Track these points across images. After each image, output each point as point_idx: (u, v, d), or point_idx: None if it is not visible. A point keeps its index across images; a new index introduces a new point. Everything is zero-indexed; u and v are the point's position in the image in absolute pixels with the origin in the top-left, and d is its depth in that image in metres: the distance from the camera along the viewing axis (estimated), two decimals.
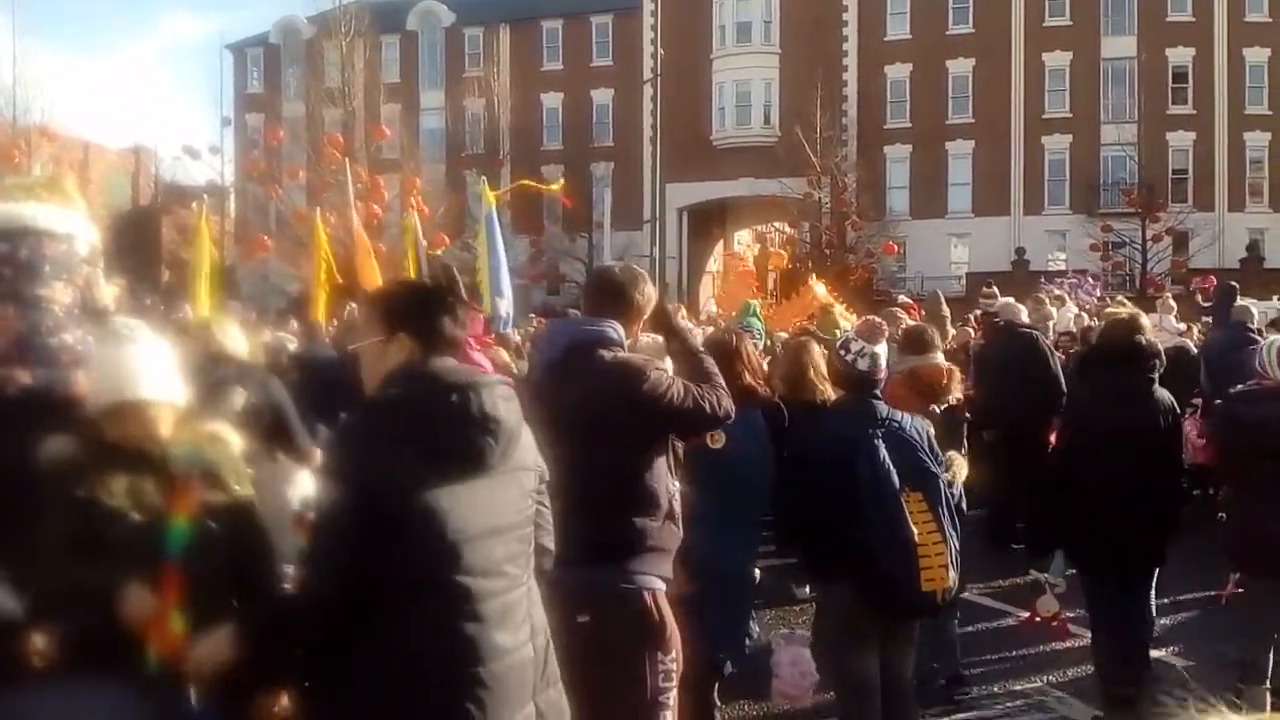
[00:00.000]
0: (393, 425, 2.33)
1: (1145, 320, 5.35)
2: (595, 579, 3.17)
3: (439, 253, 23.62)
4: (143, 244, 34.33)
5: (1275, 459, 4.74)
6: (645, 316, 3.45)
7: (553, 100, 46.54)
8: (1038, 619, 5.27)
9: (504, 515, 2.39)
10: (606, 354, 3.26)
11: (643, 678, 3.16)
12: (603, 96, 45.95)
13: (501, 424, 2.36)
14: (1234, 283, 11.20)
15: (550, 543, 2.70)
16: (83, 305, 2.65)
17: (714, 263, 44.11)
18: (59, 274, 2.35)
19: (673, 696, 3.22)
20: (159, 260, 37.44)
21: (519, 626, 2.38)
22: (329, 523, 2.30)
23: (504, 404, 2.40)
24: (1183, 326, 11.72)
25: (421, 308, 2.45)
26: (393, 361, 2.42)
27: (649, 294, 3.42)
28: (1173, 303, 12.15)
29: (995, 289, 11.57)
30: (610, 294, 3.42)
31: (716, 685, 4.54)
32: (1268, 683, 4.92)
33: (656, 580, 3.23)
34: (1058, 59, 40.80)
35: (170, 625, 2.41)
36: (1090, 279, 14.77)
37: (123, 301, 4.95)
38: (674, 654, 3.22)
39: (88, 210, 3.18)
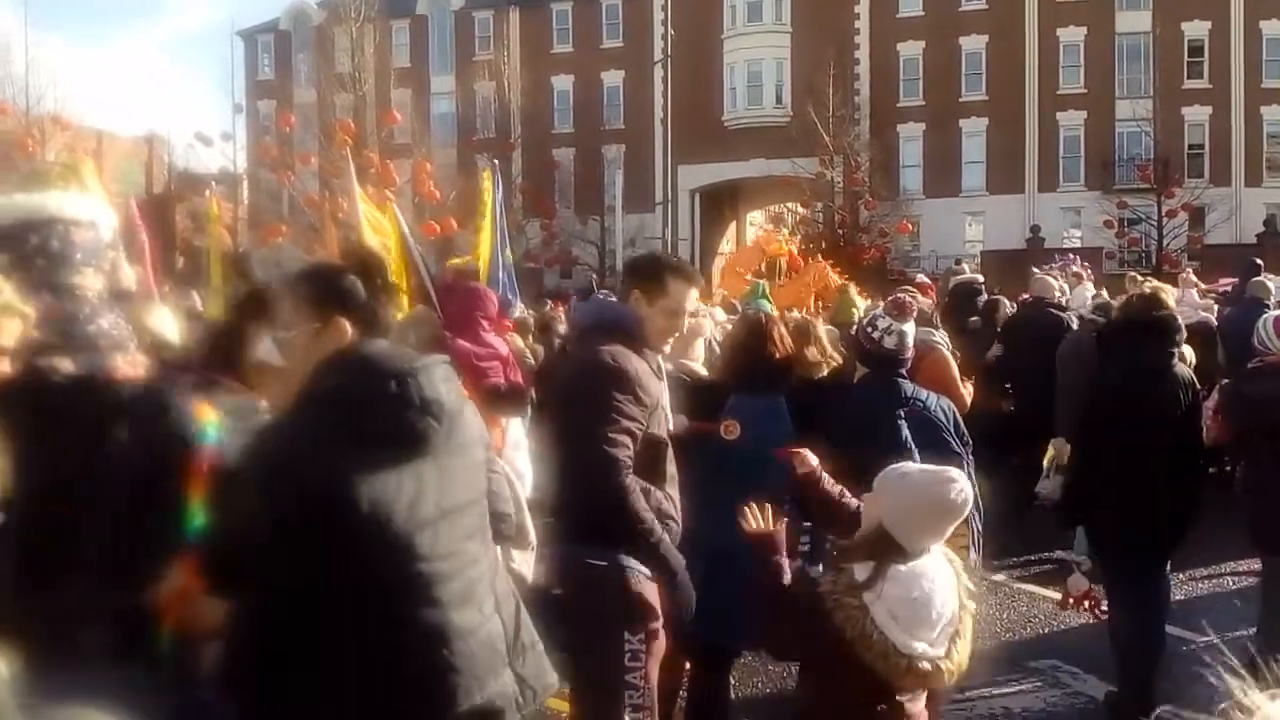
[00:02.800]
0: (334, 418, 2.23)
1: (1168, 296, 5.34)
2: (572, 554, 3.22)
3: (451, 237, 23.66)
4: (157, 231, 34.44)
5: (1277, 436, 4.75)
6: (673, 300, 3.40)
7: (563, 83, 46.44)
8: (1071, 600, 5.27)
9: (456, 494, 2.34)
10: (599, 345, 3.28)
11: (606, 655, 3.16)
12: (613, 78, 45.82)
13: (443, 405, 2.30)
14: (1258, 259, 11.18)
15: (505, 507, 2.71)
16: (109, 289, 2.69)
17: (726, 244, 44.04)
18: (89, 261, 2.38)
19: (643, 676, 3.19)
20: (173, 247, 37.55)
21: (483, 601, 2.36)
22: (265, 534, 2.16)
23: (444, 385, 2.35)
24: (1206, 301, 11.55)
25: (362, 290, 2.35)
26: (327, 348, 2.32)
27: (679, 277, 3.37)
28: (1194, 278, 12.10)
29: (964, 265, 12.14)
30: (634, 275, 3.46)
31: (731, 665, 4.57)
32: None
33: (635, 559, 3.21)
34: (1072, 34, 40.46)
35: (190, 608, 2.41)
36: (1072, 255, 14.83)
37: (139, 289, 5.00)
38: (643, 635, 3.18)
39: (105, 195, 3.21)
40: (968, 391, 6.06)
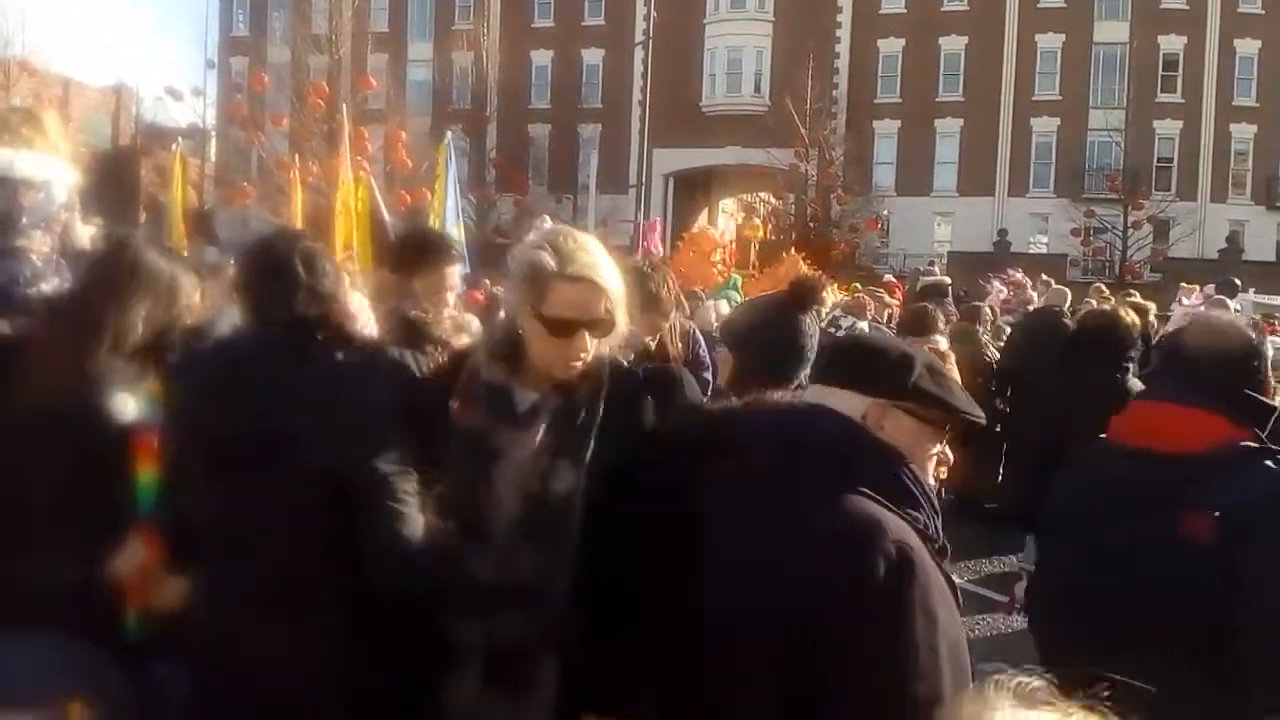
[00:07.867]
0: None
1: (1128, 314, 5.39)
2: None
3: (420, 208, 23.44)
4: (121, 185, 33.76)
5: None
6: None
7: (542, 58, 46.06)
8: (1016, 606, 5.32)
9: None
10: None
11: None
12: (593, 56, 45.51)
13: None
14: (1236, 279, 11.28)
15: None
16: (62, 251, 2.62)
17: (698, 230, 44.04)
18: (36, 223, 2.32)
19: None
20: (137, 202, 36.85)
21: None
22: None
23: None
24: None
25: None
26: None
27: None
28: (1193, 287, 12.03)
29: (935, 267, 12.54)
30: None
31: None
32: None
33: None
34: (1050, 41, 40.74)
35: (151, 586, 2.35)
36: (1010, 271, 14.88)
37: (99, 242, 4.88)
38: None
39: (67, 149, 3.12)
40: None
